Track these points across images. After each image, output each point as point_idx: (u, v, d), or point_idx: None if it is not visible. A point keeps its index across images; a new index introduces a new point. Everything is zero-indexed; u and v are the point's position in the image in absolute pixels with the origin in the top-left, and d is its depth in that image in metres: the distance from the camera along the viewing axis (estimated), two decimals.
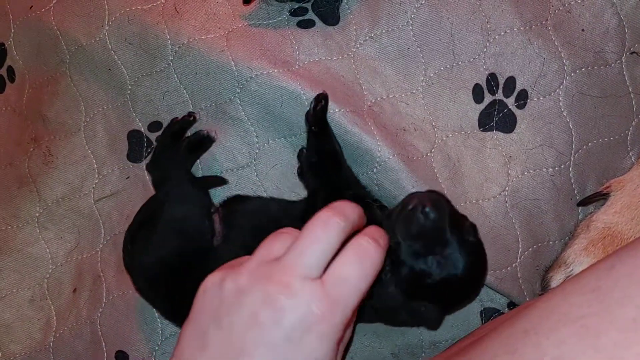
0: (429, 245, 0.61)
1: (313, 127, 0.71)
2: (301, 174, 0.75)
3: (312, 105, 0.71)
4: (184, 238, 0.69)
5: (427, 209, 0.61)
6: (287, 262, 0.52)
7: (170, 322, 0.76)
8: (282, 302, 0.49)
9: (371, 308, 0.67)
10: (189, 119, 0.76)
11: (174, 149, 0.76)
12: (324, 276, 0.51)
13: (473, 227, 0.65)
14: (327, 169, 0.72)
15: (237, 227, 0.70)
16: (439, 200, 0.64)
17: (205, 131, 0.76)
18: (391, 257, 0.62)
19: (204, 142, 0.76)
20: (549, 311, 0.45)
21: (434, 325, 0.65)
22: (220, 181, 0.76)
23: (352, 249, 0.52)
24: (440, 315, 0.65)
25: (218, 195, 0.76)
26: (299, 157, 0.75)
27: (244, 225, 0.70)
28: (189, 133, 0.77)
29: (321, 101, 0.71)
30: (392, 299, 0.62)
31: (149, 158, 0.81)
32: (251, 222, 0.70)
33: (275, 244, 0.55)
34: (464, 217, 0.66)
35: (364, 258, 0.52)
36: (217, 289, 0.53)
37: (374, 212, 0.69)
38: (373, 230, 0.55)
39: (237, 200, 0.74)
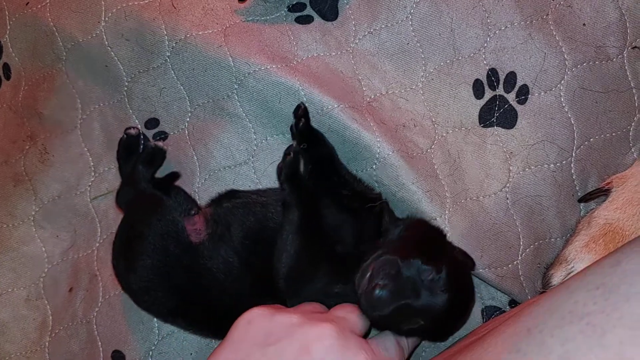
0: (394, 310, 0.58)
1: (302, 145, 0.69)
2: (280, 176, 0.71)
3: (293, 119, 0.70)
4: (163, 245, 0.68)
5: (375, 292, 0.57)
6: (338, 314, 0.59)
7: (170, 324, 0.75)
8: (335, 341, 0.53)
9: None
10: (132, 133, 0.77)
11: (131, 165, 0.76)
12: (368, 340, 0.57)
13: (446, 263, 0.60)
14: (323, 174, 0.71)
15: (226, 222, 0.69)
16: (388, 268, 0.58)
17: (153, 143, 0.77)
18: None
19: (156, 154, 0.77)
20: (553, 309, 0.44)
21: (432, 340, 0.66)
22: (174, 176, 0.77)
23: (389, 333, 0.62)
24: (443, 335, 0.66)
25: (214, 192, 0.75)
26: (283, 158, 0.72)
27: (232, 221, 0.69)
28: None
29: (301, 118, 0.69)
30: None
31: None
32: (239, 217, 0.69)
33: (313, 304, 0.62)
34: (428, 261, 0.59)
35: (397, 343, 0.61)
36: (266, 320, 0.56)
37: (373, 217, 0.68)
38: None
39: (227, 196, 0.73)
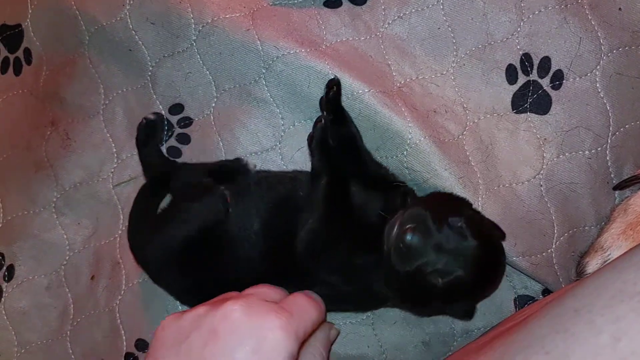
0: (424, 264, 0.57)
1: (328, 114, 0.69)
2: (311, 143, 0.71)
3: (324, 92, 0.70)
4: (196, 221, 0.67)
5: (406, 237, 0.57)
6: (246, 292, 0.59)
7: (187, 305, 0.74)
8: (240, 314, 0.52)
9: (402, 303, 0.65)
10: (151, 118, 0.77)
11: (154, 148, 0.77)
12: (278, 302, 0.56)
13: (467, 220, 0.60)
14: (345, 155, 0.70)
15: (246, 201, 0.68)
16: (416, 216, 0.58)
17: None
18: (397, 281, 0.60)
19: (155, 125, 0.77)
20: (601, 289, 0.43)
21: (463, 319, 0.64)
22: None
23: (300, 292, 0.61)
24: (468, 309, 0.63)
25: None
26: (314, 126, 0.72)
27: (260, 190, 0.68)
28: None
29: (333, 87, 0.69)
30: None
31: (170, 142, 0.79)
32: (267, 187, 0.69)
33: (229, 293, 0.61)
34: (454, 213, 0.60)
35: (308, 298, 0.59)
36: (175, 323, 0.56)
37: (398, 196, 0.67)
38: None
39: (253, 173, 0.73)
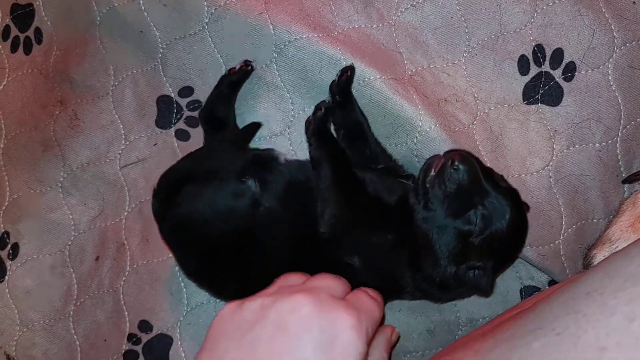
0: (467, 199, 0.59)
1: (337, 97, 0.69)
2: (307, 131, 0.70)
3: (337, 76, 0.69)
4: (227, 201, 0.66)
5: (456, 163, 0.59)
6: (312, 283, 0.54)
7: (192, 280, 0.73)
8: (311, 309, 0.48)
9: (418, 288, 0.65)
10: (247, 68, 0.74)
11: (229, 99, 0.74)
12: (344, 298, 0.53)
13: (501, 177, 0.64)
14: (354, 143, 0.70)
15: (270, 192, 0.67)
16: (464, 152, 0.62)
17: (249, 66, 0.74)
18: (433, 225, 0.60)
19: (247, 74, 0.75)
20: (613, 273, 0.43)
21: (486, 289, 0.62)
22: (256, 127, 0.75)
23: (360, 290, 0.57)
24: (491, 278, 0.62)
25: None
26: (314, 114, 0.70)
27: (282, 175, 0.67)
28: None
29: (347, 71, 0.69)
30: (443, 269, 0.60)
31: (178, 124, 0.79)
32: (289, 172, 0.68)
33: (292, 277, 0.57)
34: (491, 169, 0.64)
35: (371, 297, 0.56)
36: (236, 312, 0.51)
37: (407, 185, 0.67)
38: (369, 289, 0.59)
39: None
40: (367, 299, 0.54)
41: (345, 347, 0.47)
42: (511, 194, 0.61)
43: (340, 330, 0.48)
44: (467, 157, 0.61)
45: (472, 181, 0.59)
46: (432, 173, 0.61)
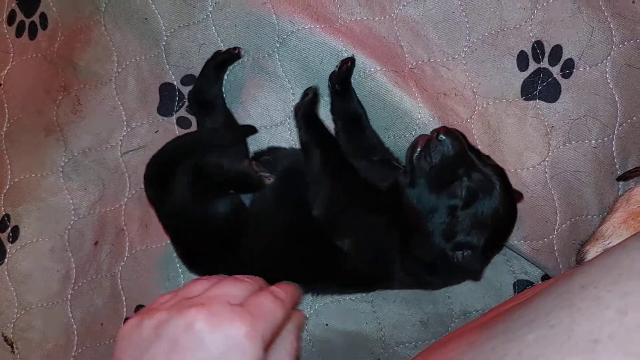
0: (452, 171, 0.59)
1: (336, 86, 0.70)
2: (297, 115, 0.70)
3: (337, 67, 0.70)
4: (223, 184, 0.67)
5: (441, 135, 0.60)
6: (210, 293, 0.54)
7: (185, 264, 0.74)
8: (204, 324, 0.49)
9: (407, 273, 0.65)
10: (234, 52, 0.74)
11: (216, 80, 0.75)
12: (242, 303, 0.53)
13: (488, 156, 0.64)
14: (351, 133, 0.71)
15: (270, 165, 0.68)
16: (450, 128, 0.62)
17: (237, 49, 0.75)
18: (416, 205, 0.61)
19: (233, 58, 0.75)
20: (609, 267, 0.43)
21: (476, 270, 0.62)
22: (251, 130, 0.75)
23: (265, 290, 0.57)
24: (481, 259, 0.62)
25: (252, 148, 0.75)
26: (302, 98, 0.70)
27: (276, 164, 0.69)
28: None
29: (347, 62, 0.70)
30: (431, 249, 0.61)
31: (180, 112, 0.80)
32: (283, 161, 0.69)
33: (195, 285, 0.57)
34: (477, 149, 0.64)
35: (273, 297, 0.55)
36: (135, 330, 0.52)
37: (399, 172, 0.67)
38: (280, 284, 0.60)
39: (270, 149, 0.73)
40: (268, 301, 0.54)
41: (240, 357, 0.48)
42: (498, 170, 0.61)
43: (234, 341, 0.49)
44: (452, 131, 0.61)
45: (456, 153, 0.60)
46: (418, 149, 0.61)
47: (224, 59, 0.74)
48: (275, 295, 0.56)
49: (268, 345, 0.53)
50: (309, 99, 0.68)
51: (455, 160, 0.59)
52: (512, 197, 0.62)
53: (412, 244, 0.62)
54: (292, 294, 0.61)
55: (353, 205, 0.64)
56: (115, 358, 0.52)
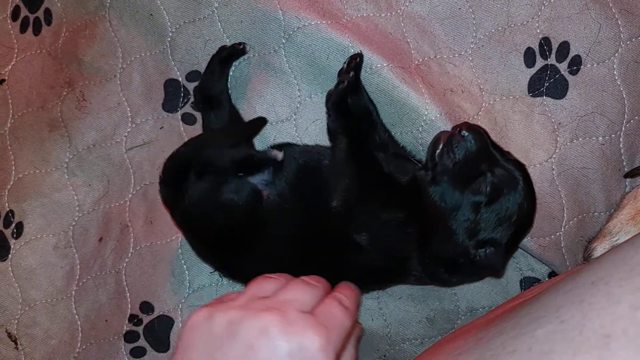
0: (475, 167, 0.59)
1: (345, 81, 0.69)
2: (328, 102, 0.70)
3: (346, 63, 0.70)
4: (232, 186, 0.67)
5: (463, 131, 0.60)
6: (282, 297, 0.54)
7: (208, 264, 0.75)
8: (279, 331, 0.49)
9: (425, 270, 0.65)
10: (239, 47, 0.74)
11: (221, 76, 0.74)
12: (313, 312, 0.53)
13: (509, 152, 0.64)
14: (362, 129, 0.71)
15: (285, 169, 0.68)
16: (472, 124, 0.62)
17: (241, 44, 0.74)
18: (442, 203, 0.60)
19: (237, 53, 0.75)
20: (619, 263, 0.43)
21: (499, 268, 0.61)
22: (261, 123, 0.75)
23: (332, 298, 0.56)
24: (504, 256, 0.61)
25: (259, 146, 0.75)
26: (336, 86, 0.70)
27: (291, 167, 0.68)
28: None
29: (356, 58, 0.69)
30: (454, 247, 0.60)
31: (185, 108, 0.79)
32: (297, 158, 0.69)
33: (265, 284, 0.56)
34: (498, 145, 0.64)
35: (343, 307, 0.55)
36: (206, 323, 0.52)
37: (416, 172, 0.67)
38: (344, 287, 0.59)
39: (283, 146, 0.72)
40: (338, 310, 0.54)
41: None
42: (520, 165, 0.61)
43: (308, 353, 0.48)
44: (474, 126, 0.61)
45: (479, 148, 0.59)
46: (440, 145, 0.61)
47: (229, 54, 0.74)
48: (343, 304, 0.56)
49: (339, 357, 0.52)
50: (343, 87, 0.68)
51: (479, 156, 0.59)
52: (534, 192, 0.62)
53: (433, 242, 0.61)
54: (356, 300, 0.60)
55: (372, 199, 0.64)
56: (181, 347, 0.52)
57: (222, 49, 0.74)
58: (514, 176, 0.59)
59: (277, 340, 0.48)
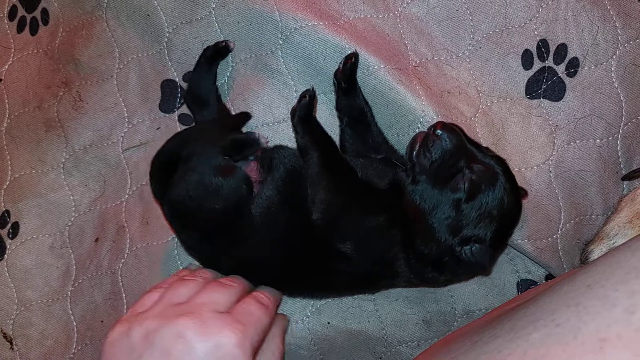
0: (453, 165, 0.59)
1: (342, 83, 0.69)
2: (293, 118, 0.69)
3: (341, 63, 0.70)
4: (219, 184, 0.66)
5: (438, 131, 0.60)
6: (197, 300, 0.55)
7: (193, 257, 0.74)
8: (194, 333, 0.50)
9: (412, 271, 0.65)
10: (222, 45, 0.75)
11: (208, 76, 0.75)
12: (229, 310, 0.54)
13: (487, 148, 0.64)
14: (356, 130, 0.70)
15: (273, 171, 0.68)
16: (446, 122, 0.62)
17: (224, 42, 0.75)
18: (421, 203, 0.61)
19: (221, 52, 0.75)
20: (615, 266, 0.43)
21: (485, 265, 0.61)
22: (245, 117, 0.75)
23: (250, 297, 0.58)
24: (490, 252, 0.61)
25: None
26: (299, 102, 0.69)
27: (280, 164, 0.68)
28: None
29: (351, 58, 0.69)
30: (438, 246, 0.60)
31: (181, 109, 0.79)
32: (287, 161, 0.68)
33: (179, 289, 0.57)
34: (477, 142, 0.64)
35: (259, 304, 0.57)
36: (124, 338, 0.53)
37: (396, 174, 0.67)
38: (263, 288, 0.62)
39: (275, 148, 0.72)
40: (255, 307, 0.55)
41: None
42: (499, 160, 0.61)
43: (225, 350, 0.50)
44: (449, 125, 0.61)
45: (455, 146, 0.59)
46: (417, 146, 0.61)
47: (214, 53, 0.75)
48: (260, 301, 0.57)
49: (256, 352, 0.54)
50: (306, 102, 0.67)
51: (455, 153, 0.59)
52: (516, 186, 0.62)
53: (417, 242, 0.61)
54: (274, 298, 0.62)
55: (352, 207, 0.64)
56: None
57: (207, 49, 0.75)
58: (494, 171, 0.59)
59: (193, 342, 0.50)
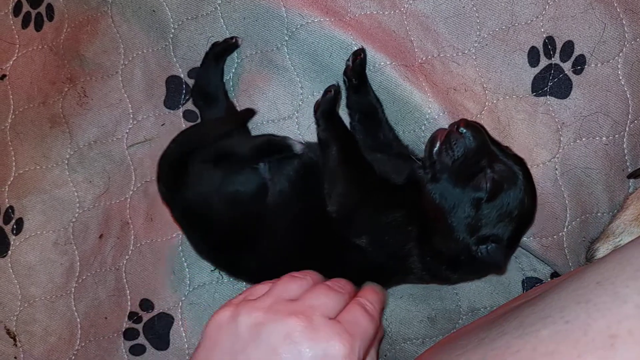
0: (475, 163, 0.59)
1: (353, 80, 0.69)
2: (316, 112, 0.69)
3: (350, 60, 0.69)
4: (232, 183, 0.66)
5: (461, 128, 0.59)
6: (308, 301, 0.54)
7: (209, 262, 0.74)
8: (303, 337, 0.49)
9: (426, 268, 0.64)
10: (231, 41, 0.74)
11: (215, 72, 0.74)
12: (338, 318, 0.53)
13: (507, 147, 0.63)
14: (367, 127, 0.70)
15: (282, 174, 0.67)
16: (470, 120, 0.62)
17: (233, 38, 0.74)
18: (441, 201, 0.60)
19: (230, 48, 0.75)
20: (625, 263, 0.43)
21: (501, 265, 0.61)
22: (250, 113, 0.74)
23: (357, 303, 0.57)
24: (506, 252, 0.61)
25: None
26: (324, 95, 0.69)
27: (288, 172, 0.67)
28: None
29: (360, 54, 0.69)
30: (455, 245, 0.60)
31: (186, 105, 0.79)
32: (295, 170, 0.68)
33: (290, 285, 0.56)
34: (497, 141, 0.64)
35: (367, 313, 0.56)
36: (231, 323, 0.52)
37: (413, 171, 0.67)
38: (368, 291, 0.60)
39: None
40: (362, 317, 0.54)
41: None
42: (519, 160, 0.61)
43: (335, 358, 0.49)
44: (472, 122, 0.61)
45: (479, 145, 0.59)
46: (438, 143, 0.60)
47: (222, 49, 0.74)
48: (368, 310, 0.56)
49: None
50: (331, 96, 0.67)
51: (478, 152, 0.59)
52: (534, 187, 0.62)
53: (434, 240, 0.61)
54: (380, 305, 0.60)
55: (369, 202, 0.63)
56: (204, 345, 0.53)
57: (215, 44, 0.74)
58: (514, 171, 0.59)
59: (302, 346, 0.49)
